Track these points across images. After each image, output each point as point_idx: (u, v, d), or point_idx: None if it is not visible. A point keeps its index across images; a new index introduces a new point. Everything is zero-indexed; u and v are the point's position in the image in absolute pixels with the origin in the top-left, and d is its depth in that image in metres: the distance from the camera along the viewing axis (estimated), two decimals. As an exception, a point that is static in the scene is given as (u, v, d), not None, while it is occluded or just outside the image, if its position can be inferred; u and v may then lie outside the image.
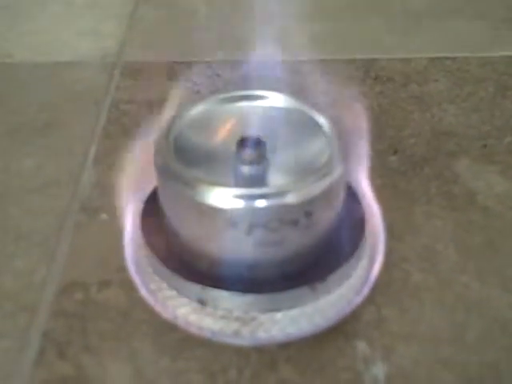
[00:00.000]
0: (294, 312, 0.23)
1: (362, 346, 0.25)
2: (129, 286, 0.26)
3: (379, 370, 0.24)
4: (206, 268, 0.24)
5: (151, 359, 0.24)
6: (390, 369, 0.24)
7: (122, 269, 0.27)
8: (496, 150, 0.33)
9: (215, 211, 0.22)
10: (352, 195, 0.27)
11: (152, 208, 0.27)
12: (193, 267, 0.24)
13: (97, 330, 0.25)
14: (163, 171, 0.24)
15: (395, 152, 0.33)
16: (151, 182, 0.28)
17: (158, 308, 0.25)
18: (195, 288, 0.24)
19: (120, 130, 0.36)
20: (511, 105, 0.36)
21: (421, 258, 0.28)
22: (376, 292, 0.26)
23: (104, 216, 0.31)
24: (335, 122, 0.25)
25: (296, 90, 0.28)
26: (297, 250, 0.23)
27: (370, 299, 0.26)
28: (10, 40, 0.45)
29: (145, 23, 0.46)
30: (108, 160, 0.33)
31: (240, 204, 0.22)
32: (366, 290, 0.25)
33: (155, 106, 0.35)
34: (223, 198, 0.22)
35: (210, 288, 0.23)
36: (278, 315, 0.23)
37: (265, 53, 0.36)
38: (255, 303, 0.23)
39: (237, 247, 0.23)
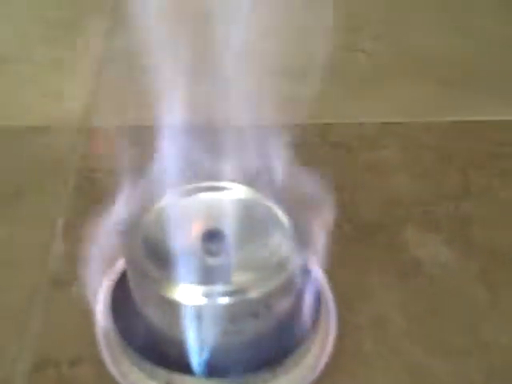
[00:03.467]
0: (256, 393, 0.25)
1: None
2: (100, 363, 0.27)
3: None
4: (172, 353, 0.26)
5: None
6: None
7: (94, 344, 0.28)
8: (439, 217, 0.36)
9: (180, 306, 0.24)
10: (307, 275, 0.29)
11: (123, 286, 0.28)
12: (161, 351, 0.26)
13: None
14: (131, 265, 0.25)
15: (349, 220, 0.36)
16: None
17: (129, 389, 0.26)
18: (162, 372, 0.25)
19: (87, 201, 0.37)
20: (455, 171, 0.39)
21: (372, 327, 0.31)
22: (331, 364, 0.28)
23: (75, 289, 0.32)
24: (294, 211, 0.27)
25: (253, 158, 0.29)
26: (257, 337, 0.25)
27: (325, 372, 0.28)
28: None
29: (110, 84, 0.47)
30: (78, 230, 0.34)
31: (203, 301, 0.24)
32: (321, 365, 0.27)
33: (121, 174, 0.36)
34: (188, 294, 0.24)
35: (177, 373, 0.25)
36: (241, 397, 0.25)
37: (226, 117, 0.38)
38: (219, 387, 0.25)
39: (200, 337, 0.24)
